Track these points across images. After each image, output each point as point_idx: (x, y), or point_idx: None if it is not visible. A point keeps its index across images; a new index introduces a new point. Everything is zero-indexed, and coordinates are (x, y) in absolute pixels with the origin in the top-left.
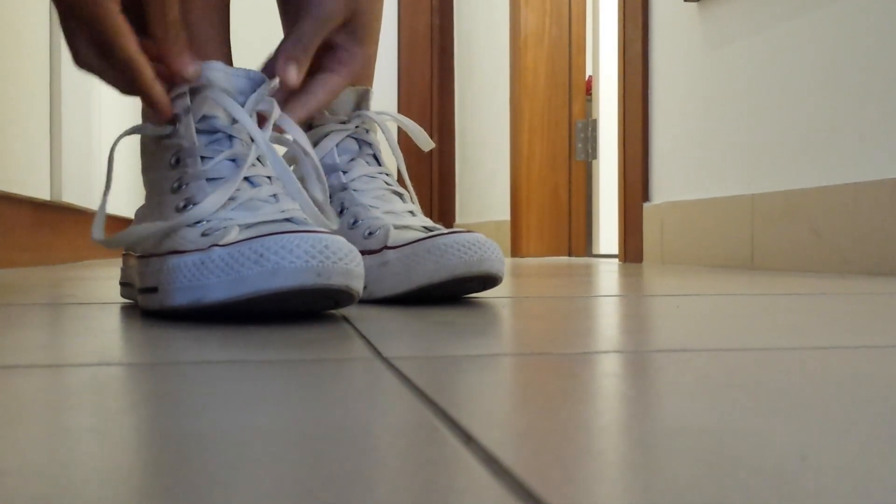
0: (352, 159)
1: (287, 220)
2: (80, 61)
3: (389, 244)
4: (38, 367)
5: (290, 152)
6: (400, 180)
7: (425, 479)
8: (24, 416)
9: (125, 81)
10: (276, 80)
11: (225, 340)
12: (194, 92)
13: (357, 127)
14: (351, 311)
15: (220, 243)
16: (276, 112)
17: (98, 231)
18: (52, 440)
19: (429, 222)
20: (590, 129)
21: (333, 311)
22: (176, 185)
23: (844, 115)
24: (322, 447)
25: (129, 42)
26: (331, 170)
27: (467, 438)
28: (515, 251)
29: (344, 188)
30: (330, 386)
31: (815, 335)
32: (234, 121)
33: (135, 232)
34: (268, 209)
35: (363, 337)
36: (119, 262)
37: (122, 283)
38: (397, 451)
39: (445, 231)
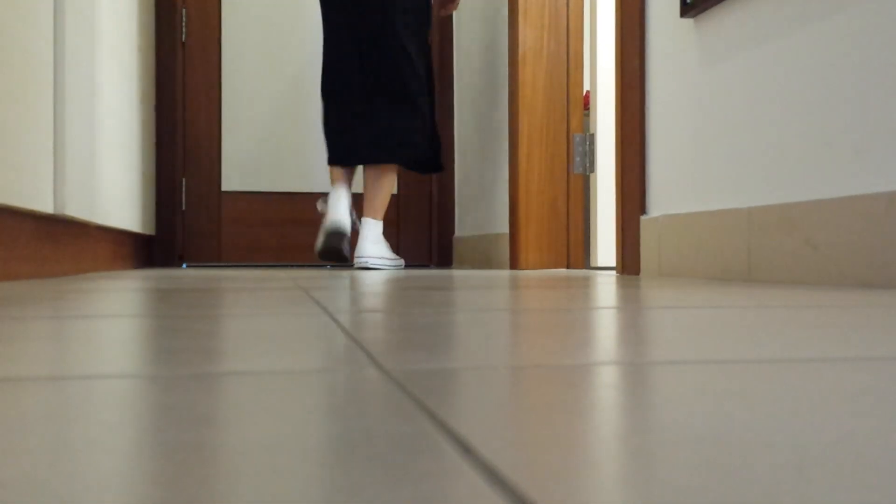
0: None
1: None
2: None
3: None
4: (40, 379)
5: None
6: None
7: (424, 490)
8: (25, 428)
9: None
10: None
11: (226, 352)
12: None
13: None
14: (350, 323)
15: None
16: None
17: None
18: (53, 452)
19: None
20: (588, 142)
21: (332, 323)
22: None
23: (840, 128)
24: (322, 458)
25: None
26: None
27: (466, 450)
28: (514, 263)
29: None
30: (329, 397)
31: (812, 347)
32: None
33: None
34: None
35: (362, 348)
36: (118, 275)
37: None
38: (397, 463)
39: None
